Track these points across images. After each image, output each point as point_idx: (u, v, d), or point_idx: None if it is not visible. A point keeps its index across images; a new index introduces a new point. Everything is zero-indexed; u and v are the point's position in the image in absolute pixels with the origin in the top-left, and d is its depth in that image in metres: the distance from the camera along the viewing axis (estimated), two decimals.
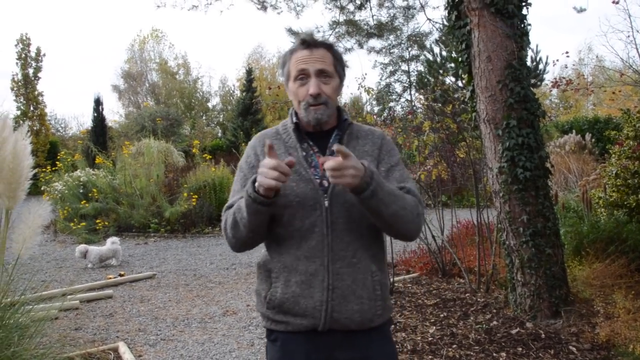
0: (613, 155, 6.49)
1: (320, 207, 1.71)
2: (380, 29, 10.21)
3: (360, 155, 1.77)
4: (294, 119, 1.82)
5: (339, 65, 1.82)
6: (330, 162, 1.52)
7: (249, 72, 31.31)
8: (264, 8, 9.47)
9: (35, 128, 26.09)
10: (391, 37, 11.21)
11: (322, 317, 1.69)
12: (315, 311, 1.70)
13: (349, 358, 1.75)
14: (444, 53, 19.06)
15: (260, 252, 1.90)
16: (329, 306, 1.69)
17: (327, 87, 1.76)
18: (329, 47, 1.81)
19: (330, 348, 1.74)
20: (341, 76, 1.84)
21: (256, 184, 1.57)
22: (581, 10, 8.84)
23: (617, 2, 9.16)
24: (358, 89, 36.12)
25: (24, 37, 26.87)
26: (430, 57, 20.48)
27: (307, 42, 1.78)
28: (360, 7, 9.93)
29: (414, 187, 1.80)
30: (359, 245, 1.74)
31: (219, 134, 36.85)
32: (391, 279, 5.48)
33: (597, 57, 32.13)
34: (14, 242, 2.84)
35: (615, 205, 6.13)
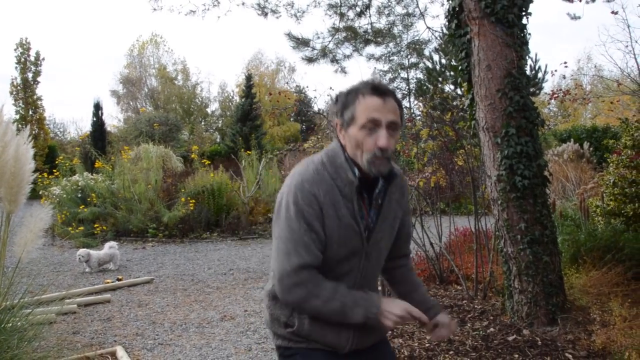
0: (611, 164, 6.53)
1: (361, 256, 1.77)
2: (378, 36, 10.25)
3: (392, 205, 1.84)
4: (357, 173, 1.71)
5: (402, 115, 1.76)
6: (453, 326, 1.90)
7: (249, 78, 31.42)
8: (265, 14, 9.51)
9: (33, 132, 26.09)
10: (391, 44, 11.25)
11: (347, 347, 1.80)
12: (340, 345, 1.79)
13: None
14: (443, 61, 19.14)
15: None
16: (354, 340, 1.80)
17: (393, 140, 1.68)
18: (395, 96, 1.73)
19: (346, 358, 1.83)
20: (402, 126, 1.79)
21: (378, 311, 1.68)
22: (575, 18, 8.88)
23: (617, 13, 9.25)
24: None
25: (24, 41, 26.93)
26: (429, 65, 20.55)
27: (380, 90, 1.68)
28: (360, 15, 9.97)
29: (411, 230, 2.08)
30: (376, 282, 1.95)
31: (218, 140, 36.91)
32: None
33: (595, 66, 32.29)
34: (16, 245, 2.86)
35: (613, 214, 6.16)
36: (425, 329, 1.85)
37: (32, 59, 27.11)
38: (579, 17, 8.86)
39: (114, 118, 42.12)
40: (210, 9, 8.90)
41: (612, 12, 10.10)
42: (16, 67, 26.83)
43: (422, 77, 23.19)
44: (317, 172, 1.71)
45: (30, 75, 27.04)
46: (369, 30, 10.09)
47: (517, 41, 4.41)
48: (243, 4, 9.01)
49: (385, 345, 2.01)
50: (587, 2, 7.59)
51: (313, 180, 1.69)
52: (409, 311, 1.66)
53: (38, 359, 3.20)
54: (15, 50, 26.81)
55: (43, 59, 27.42)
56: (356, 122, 1.66)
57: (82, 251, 7.65)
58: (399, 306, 1.68)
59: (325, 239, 1.68)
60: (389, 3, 9.99)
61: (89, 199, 11.46)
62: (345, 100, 1.72)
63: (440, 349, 4.00)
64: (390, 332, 2.05)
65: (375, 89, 1.68)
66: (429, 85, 20.15)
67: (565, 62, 18.52)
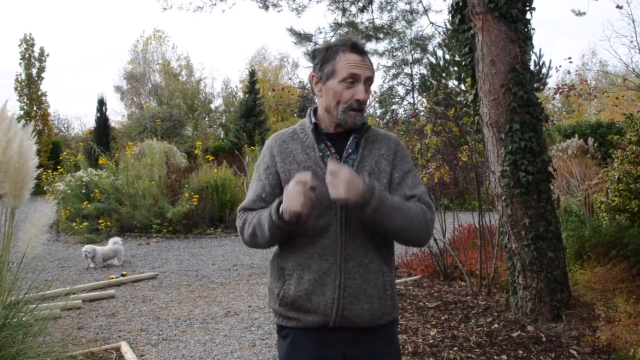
0: (615, 160, 6.50)
1: (335, 207, 1.75)
2: (379, 32, 10.23)
3: (376, 158, 1.84)
4: (313, 119, 1.86)
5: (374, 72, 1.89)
6: (331, 165, 1.60)
7: (252, 73, 31.38)
8: (266, 7, 9.49)
9: (38, 128, 26.17)
10: (394, 40, 11.23)
11: (333, 314, 1.75)
12: (327, 308, 1.75)
13: (356, 354, 1.80)
14: (447, 56, 19.07)
15: (271, 251, 1.93)
16: (340, 304, 1.75)
17: (367, 94, 1.81)
18: (369, 56, 1.86)
19: (339, 344, 1.79)
20: None
21: (281, 208, 1.64)
22: (580, 14, 8.84)
23: (621, 7, 9.20)
24: None
25: (28, 37, 26.96)
26: (433, 60, 20.48)
27: (359, 48, 1.81)
28: (362, 10, 9.95)
29: (425, 194, 1.86)
30: (371, 246, 1.79)
31: (222, 135, 36.92)
32: None
33: (600, 62, 32.15)
34: (20, 240, 2.87)
35: (617, 210, 6.14)
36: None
37: (36, 55, 27.16)
38: (584, 13, 8.84)
39: (117, 114, 42.18)
40: (217, 3, 8.90)
41: (617, 7, 10.03)
42: (20, 63, 26.90)
43: (425, 73, 23.12)
44: (283, 130, 1.94)
45: (34, 71, 27.09)
46: (371, 26, 10.07)
47: (521, 36, 4.40)
48: None
49: (392, 343, 1.90)
50: None
51: (275, 136, 1.93)
52: (290, 190, 1.61)
53: (43, 354, 3.21)
54: (19, 46, 26.89)
55: (47, 55, 27.49)
56: (336, 76, 1.78)
57: (88, 247, 7.66)
58: (289, 188, 1.62)
59: (280, 183, 1.82)
60: None
61: (93, 195, 11.49)
62: (325, 55, 1.83)
63: (444, 345, 4.01)
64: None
65: (355, 46, 1.80)
66: (433, 81, 20.09)
67: (569, 58, 18.43)
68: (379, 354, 1.83)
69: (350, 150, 1.84)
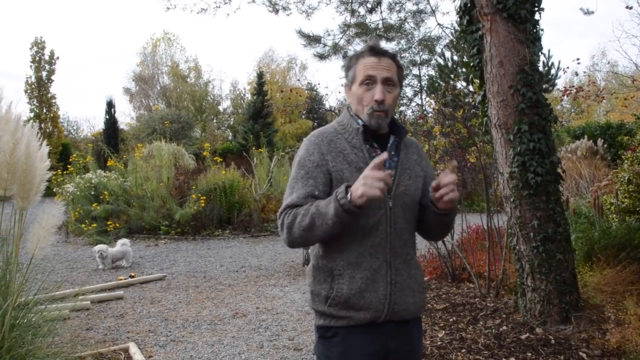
0: (625, 161, 6.46)
1: (385, 207, 1.82)
2: (389, 32, 10.23)
3: (411, 164, 1.94)
4: (360, 121, 1.87)
5: (401, 76, 1.92)
6: (452, 177, 1.70)
7: (260, 75, 31.42)
8: (276, 11, 9.53)
9: (48, 130, 26.35)
10: (402, 41, 11.22)
11: (384, 309, 1.81)
12: (379, 304, 1.81)
13: (398, 346, 1.88)
14: (455, 58, 19.00)
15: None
16: (391, 299, 1.82)
17: (390, 95, 1.84)
18: (393, 56, 1.89)
19: (385, 338, 1.85)
20: (401, 86, 1.96)
21: (350, 194, 1.62)
22: (588, 13, 8.79)
23: (631, 8, 9.14)
24: None
25: (39, 40, 27.17)
26: (441, 61, 20.43)
27: (376, 50, 1.86)
28: (371, 11, 9.96)
29: None
30: (410, 243, 1.92)
31: (230, 137, 37.00)
32: None
33: (609, 62, 31.95)
34: (29, 242, 2.88)
35: (627, 212, 6.09)
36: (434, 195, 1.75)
37: (47, 57, 27.37)
38: (592, 12, 8.79)
39: (126, 116, 42.49)
40: (222, 6, 8.94)
41: (627, 7, 9.99)
42: (31, 66, 27.13)
43: (433, 74, 23.05)
44: (324, 128, 1.94)
45: (44, 73, 27.30)
46: (380, 27, 10.06)
47: (530, 37, 4.38)
48: (253, 1, 9.03)
49: (422, 334, 2.03)
50: None
51: (318, 134, 1.92)
52: (371, 175, 1.59)
53: (52, 355, 3.23)
54: (30, 49, 27.10)
55: (57, 57, 27.69)
56: (356, 81, 1.87)
57: (102, 247, 7.70)
58: (361, 177, 1.62)
59: (332, 182, 1.82)
60: None
61: (101, 197, 11.55)
62: (349, 63, 1.92)
63: (452, 347, 3.99)
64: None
65: (372, 49, 1.86)
66: (441, 82, 20.01)
67: (578, 59, 18.33)
68: (415, 343, 1.95)
69: (392, 152, 1.90)
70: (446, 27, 10.62)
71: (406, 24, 10.46)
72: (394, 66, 1.86)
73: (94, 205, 11.27)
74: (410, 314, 1.88)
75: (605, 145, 14.72)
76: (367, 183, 1.58)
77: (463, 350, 3.92)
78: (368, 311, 1.80)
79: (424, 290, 1.97)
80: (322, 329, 1.88)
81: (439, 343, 4.10)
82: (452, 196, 1.69)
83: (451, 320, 4.68)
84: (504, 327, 4.35)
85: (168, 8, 9.09)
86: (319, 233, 1.72)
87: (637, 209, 5.91)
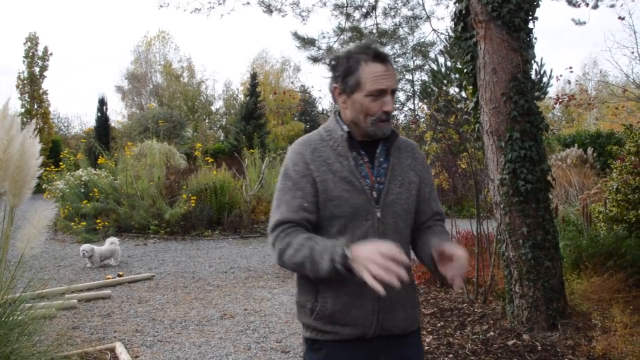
0: (614, 170, 6.51)
1: (372, 218, 1.74)
2: (383, 37, 10.24)
3: (404, 168, 1.85)
4: (345, 127, 1.79)
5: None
6: (463, 253, 1.61)
7: (254, 76, 31.37)
8: (270, 11, 9.50)
9: (38, 126, 26.15)
10: (396, 46, 11.24)
11: (372, 325, 1.74)
12: (367, 320, 1.74)
13: None
14: (448, 64, 19.08)
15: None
16: (379, 315, 1.74)
17: (393, 103, 1.78)
18: (391, 61, 1.79)
19: (374, 353, 1.78)
20: None
21: (349, 259, 1.50)
22: (580, 23, 8.86)
23: (623, 19, 9.23)
24: None
25: (32, 36, 27.00)
26: (434, 67, 20.51)
27: (381, 56, 1.74)
28: (366, 16, 9.97)
29: (442, 209, 1.97)
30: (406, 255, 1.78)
31: (222, 138, 36.92)
32: None
33: (600, 72, 32.22)
34: (19, 240, 2.86)
35: (615, 220, 6.14)
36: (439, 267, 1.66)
37: (40, 53, 27.20)
38: (584, 23, 8.84)
39: (118, 114, 42.09)
40: (216, 7, 8.90)
41: (619, 18, 10.09)
42: (24, 61, 26.96)
43: (427, 80, 23.14)
44: (309, 136, 1.86)
45: (37, 69, 27.14)
46: (375, 31, 10.08)
47: (523, 45, 4.41)
48: (248, 3, 9.01)
49: (419, 347, 1.93)
50: (592, 8, 7.57)
51: (302, 142, 1.83)
52: (380, 251, 1.46)
53: (37, 354, 3.20)
54: (24, 44, 26.94)
55: (51, 54, 27.56)
56: (362, 89, 1.72)
57: (86, 246, 7.65)
58: (367, 248, 1.50)
59: (318, 193, 1.74)
60: (395, 4, 9.98)
61: (91, 194, 11.48)
62: (347, 66, 1.75)
63: (439, 352, 4.00)
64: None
65: (377, 55, 1.73)
66: (434, 88, 20.09)
67: (570, 67, 18.48)
68: (412, 356, 1.87)
69: (381, 159, 1.82)
70: (441, 33, 10.64)
71: (400, 29, 10.48)
72: (395, 72, 1.79)
73: (83, 202, 11.20)
74: (401, 329, 1.80)
75: (594, 154, 14.83)
76: (379, 266, 1.44)
77: (450, 356, 3.93)
78: (355, 327, 1.73)
79: (416, 305, 1.89)
80: (308, 341, 1.83)
81: (427, 348, 4.11)
82: (460, 275, 1.58)
83: (439, 325, 4.69)
84: (491, 333, 4.37)
85: (161, 6, 9.03)
86: (309, 273, 1.64)
87: (625, 218, 5.95)
